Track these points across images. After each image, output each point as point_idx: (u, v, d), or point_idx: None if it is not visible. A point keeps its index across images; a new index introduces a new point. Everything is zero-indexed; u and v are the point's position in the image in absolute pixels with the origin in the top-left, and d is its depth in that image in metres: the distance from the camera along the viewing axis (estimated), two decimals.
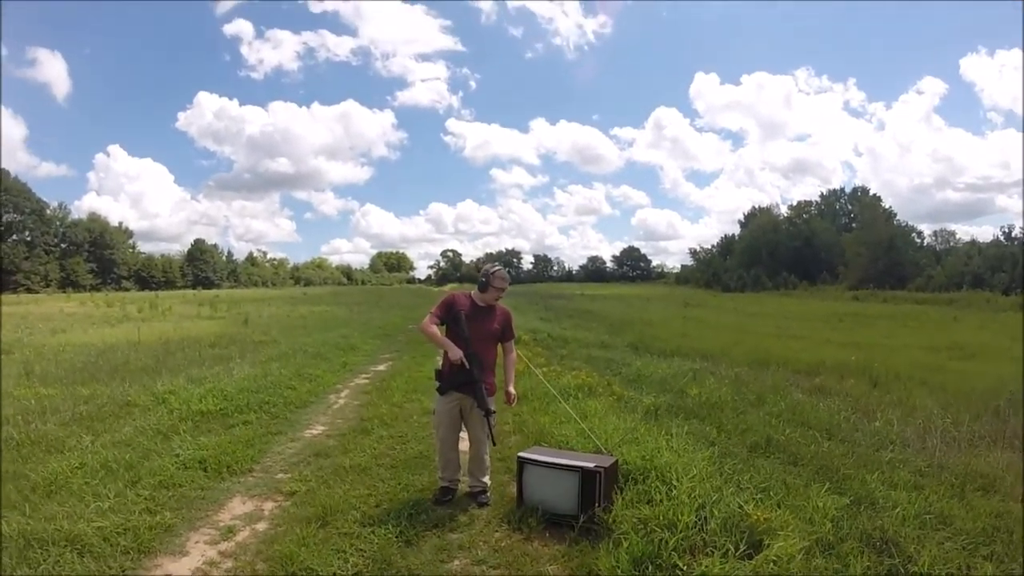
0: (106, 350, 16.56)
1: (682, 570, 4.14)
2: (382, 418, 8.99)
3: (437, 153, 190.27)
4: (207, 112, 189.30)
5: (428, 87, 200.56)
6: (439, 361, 5.88)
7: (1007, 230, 66.23)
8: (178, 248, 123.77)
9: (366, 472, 6.66)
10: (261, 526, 5.31)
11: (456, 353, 5.54)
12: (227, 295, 54.91)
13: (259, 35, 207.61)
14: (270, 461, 7.07)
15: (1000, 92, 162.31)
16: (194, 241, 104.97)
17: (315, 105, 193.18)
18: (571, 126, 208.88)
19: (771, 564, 4.10)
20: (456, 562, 4.75)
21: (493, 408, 5.76)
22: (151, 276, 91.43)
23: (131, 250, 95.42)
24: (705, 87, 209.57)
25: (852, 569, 4.27)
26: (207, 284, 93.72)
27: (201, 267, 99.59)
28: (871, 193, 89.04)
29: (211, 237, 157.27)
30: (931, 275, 64.66)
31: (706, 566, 4.08)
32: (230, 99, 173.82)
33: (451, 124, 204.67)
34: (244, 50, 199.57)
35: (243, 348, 17.37)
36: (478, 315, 5.76)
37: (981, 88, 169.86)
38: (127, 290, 79.19)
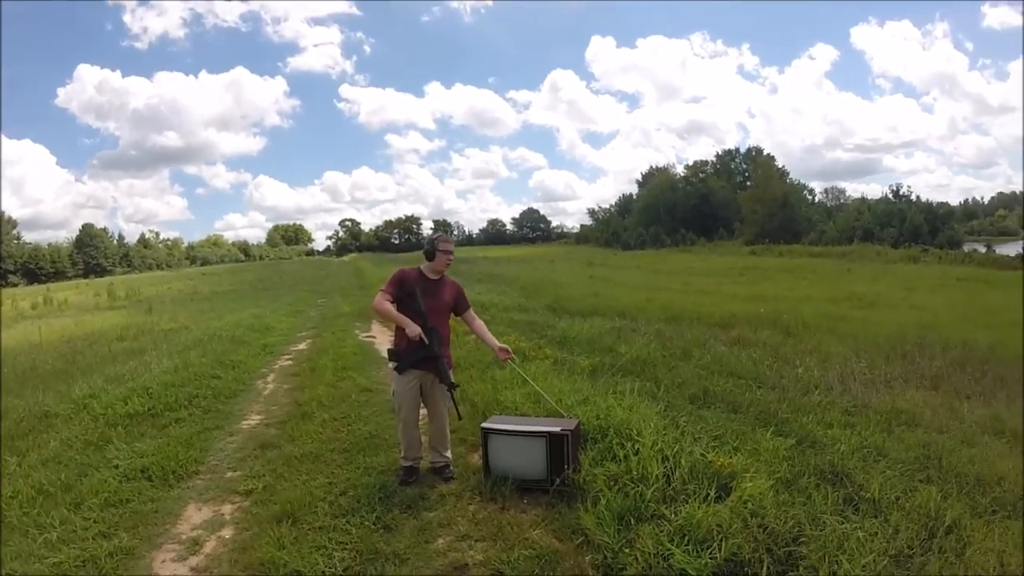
0: (7, 356, 15.35)
1: (668, 518, 4.34)
2: (319, 400, 8.72)
3: (331, 120, 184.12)
4: (88, 86, 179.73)
5: (321, 52, 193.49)
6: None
7: (895, 188, 69.86)
8: (65, 235, 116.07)
9: (320, 460, 6.44)
10: (227, 532, 5.01)
11: (414, 329, 5.44)
12: (122, 281, 51.84)
13: (142, 2, 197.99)
14: (215, 459, 6.70)
15: (889, 60, 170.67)
16: (82, 226, 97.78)
17: (203, 74, 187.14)
18: (467, 89, 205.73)
19: (745, 504, 4.37)
20: (440, 540, 4.71)
21: (455, 382, 5.74)
22: (39, 268, 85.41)
23: (16, 241, 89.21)
24: (601, 50, 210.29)
25: (815, 501, 4.59)
26: (99, 271, 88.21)
27: (92, 253, 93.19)
28: (765, 153, 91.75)
29: (99, 220, 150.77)
30: (823, 230, 67.51)
31: (687, 512, 4.30)
32: (112, 71, 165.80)
33: (345, 90, 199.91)
34: (127, 18, 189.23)
35: (154, 339, 16.49)
36: (430, 289, 5.68)
37: (871, 56, 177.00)
38: (15, 285, 74.19)
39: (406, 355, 5.61)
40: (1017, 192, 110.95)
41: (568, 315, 17.57)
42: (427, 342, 5.49)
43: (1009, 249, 52.12)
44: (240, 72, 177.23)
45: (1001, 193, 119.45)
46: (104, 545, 4.69)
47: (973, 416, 7.77)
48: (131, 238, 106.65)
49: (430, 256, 5.70)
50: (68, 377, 11.26)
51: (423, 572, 4.29)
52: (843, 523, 4.23)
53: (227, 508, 5.49)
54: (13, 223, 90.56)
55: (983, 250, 53.51)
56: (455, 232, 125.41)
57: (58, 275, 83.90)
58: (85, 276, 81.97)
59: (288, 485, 5.78)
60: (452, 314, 5.93)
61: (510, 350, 5.97)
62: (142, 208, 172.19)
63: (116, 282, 48.88)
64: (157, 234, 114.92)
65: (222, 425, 7.93)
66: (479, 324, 5.99)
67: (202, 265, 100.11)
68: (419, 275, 5.72)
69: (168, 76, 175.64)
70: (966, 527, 4.41)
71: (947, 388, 9.43)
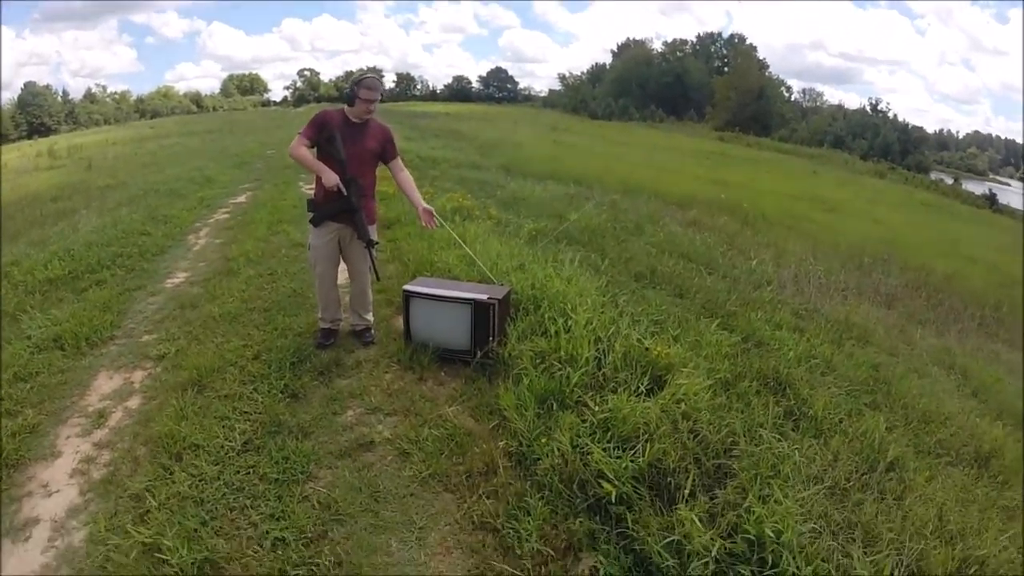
0: None
1: (590, 408, 3.88)
2: (248, 256, 8.11)
3: None
4: None
5: None
6: (305, 188, 5.12)
7: (874, 101, 69.44)
8: (8, 96, 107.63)
9: (237, 320, 5.97)
10: (133, 402, 4.63)
11: (331, 178, 4.78)
12: (66, 140, 48.58)
13: None
14: (132, 323, 6.14)
15: None
16: (24, 85, 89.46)
17: None
18: None
19: (678, 403, 3.89)
20: (349, 413, 4.38)
21: (375, 238, 5.16)
22: None
23: None
24: None
25: (754, 409, 4.16)
26: (44, 132, 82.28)
27: (35, 113, 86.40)
28: (747, 42, 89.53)
29: (43, 77, 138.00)
30: (795, 129, 67.57)
31: (613, 404, 3.81)
32: None
33: None
34: None
35: (88, 197, 15.36)
36: (353, 134, 4.93)
37: None
38: None
39: (322, 206, 4.98)
40: (993, 135, 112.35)
41: (522, 177, 16.87)
42: (345, 193, 4.84)
43: (975, 187, 52.56)
44: None
45: (977, 132, 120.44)
46: (8, 424, 4.30)
47: (924, 343, 7.52)
48: (77, 94, 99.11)
49: (350, 101, 4.90)
50: None
51: (326, 447, 3.98)
52: (780, 440, 3.78)
53: (138, 375, 5.07)
54: None
55: (950, 182, 54.10)
56: (418, 86, 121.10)
57: (1, 138, 78.86)
58: (29, 137, 76.78)
59: (201, 349, 5.33)
60: (380, 163, 5.20)
61: (435, 213, 5.27)
62: (88, 62, 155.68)
63: (60, 141, 45.73)
64: (104, 88, 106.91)
65: (144, 285, 7.29)
66: (405, 176, 5.27)
67: (152, 118, 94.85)
68: (342, 118, 4.93)
69: None
70: (908, 467, 4.07)
71: (902, 309, 9.19)
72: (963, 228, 23.09)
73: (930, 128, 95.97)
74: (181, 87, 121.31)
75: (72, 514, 3.46)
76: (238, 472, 3.69)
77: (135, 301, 6.74)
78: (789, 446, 3.74)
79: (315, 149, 4.93)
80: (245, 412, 4.33)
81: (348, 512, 3.37)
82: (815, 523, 3.09)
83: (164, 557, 3.05)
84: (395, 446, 3.95)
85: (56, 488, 3.68)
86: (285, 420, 4.21)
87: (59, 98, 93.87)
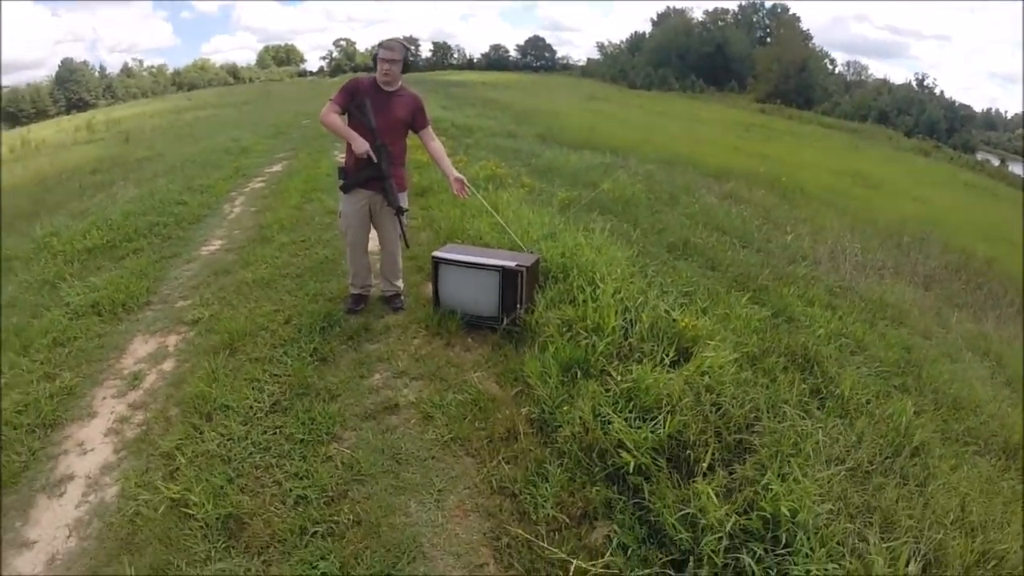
0: None
1: (613, 377, 3.87)
2: (282, 223, 8.18)
3: None
4: None
5: None
6: (340, 157, 5.12)
7: (920, 77, 68.00)
8: (45, 73, 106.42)
9: (270, 286, 6.06)
10: (167, 365, 4.75)
11: (362, 145, 4.80)
12: (105, 114, 48.52)
13: None
14: (167, 289, 6.27)
15: None
16: (61, 62, 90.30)
17: None
18: None
19: (703, 375, 3.87)
20: (376, 376, 4.43)
21: (405, 205, 5.17)
22: (20, 111, 78.95)
23: None
24: None
25: (780, 385, 4.11)
26: (82, 107, 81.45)
27: (73, 89, 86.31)
28: (791, 12, 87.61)
29: (80, 54, 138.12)
30: (838, 103, 66.29)
31: (637, 374, 3.81)
32: None
33: None
34: None
35: (126, 169, 15.43)
36: (384, 102, 4.91)
37: None
38: None
39: (353, 174, 4.99)
40: None
41: (558, 146, 16.72)
42: (376, 160, 4.84)
43: (1021, 170, 51.20)
44: None
45: None
46: (47, 387, 4.42)
47: (960, 327, 7.38)
48: (114, 69, 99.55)
49: (374, 65, 4.90)
50: (33, 217, 10.29)
51: (351, 409, 4.04)
52: (804, 418, 3.74)
53: (172, 339, 5.20)
54: None
55: (996, 163, 52.78)
56: (455, 55, 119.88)
57: (40, 115, 78.21)
58: (68, 113, 76.97)
59: (234, 314, 5.45)
60: (410, 131, 5.18)
61: (465, 182, 5.22)
62: (125, 38, 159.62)
63: (97, 115, 45.66)
64: (141, 62, 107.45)
65: (180, 253, 7.40)
66: (436, 146, 5.22)
67: (189, 91, 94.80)
68: (373, 85, 4.91)
69: None
70: (934, 453, 4.00)
71: (939, 291, 9.02)
72: (1007, 211, 22.51)
73: (978, 107, 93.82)
74: (217, 59, 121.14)
75: (105, 471, 3.58)
76: (265, 432, 3.78)
77: (171, 268, 6.87)
78: (812, 425, 3.68)
79: (346, 116, 4.93)
80: (275, 375, 4.42)
81: (369, 473, 3.42)
82: (833, 504, 3.04)
83: (190, 512, 3.15)
84: (419, 410, 3.99)
85: (91, 447, 3.80)
86: (313, 383, 4.28)
87: (96, 74, 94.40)
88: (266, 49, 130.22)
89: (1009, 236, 15.97)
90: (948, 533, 3.14)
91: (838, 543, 2.84)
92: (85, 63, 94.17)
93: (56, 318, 5.51)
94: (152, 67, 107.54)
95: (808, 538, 2.81)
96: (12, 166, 21.84)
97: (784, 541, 2.81)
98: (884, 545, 2.91)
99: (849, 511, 3.11)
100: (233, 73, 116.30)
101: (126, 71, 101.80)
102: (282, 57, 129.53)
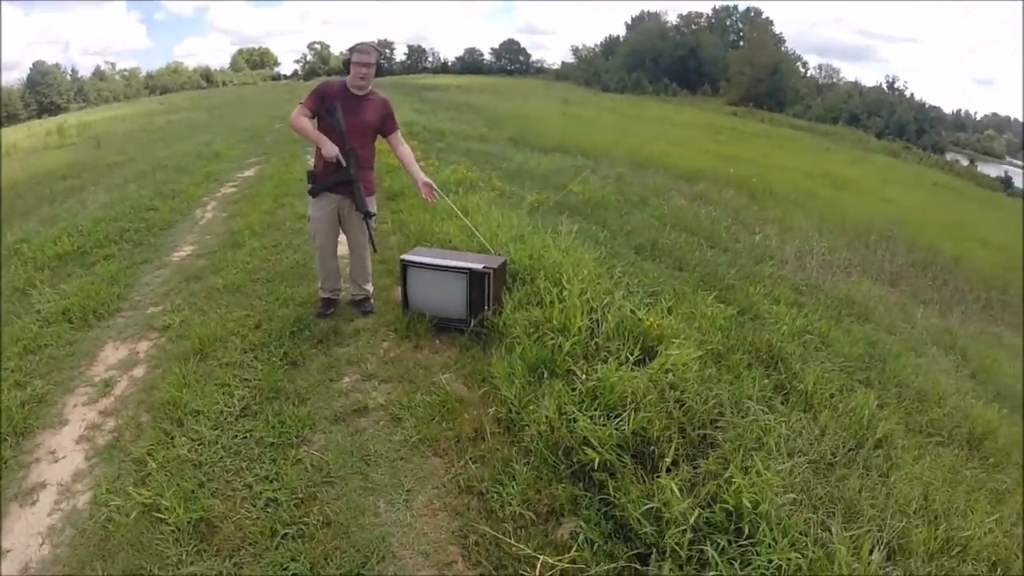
0: None
1: (578, 376, 3.94)
2: (253, 228, 8.22)
3: None
4: None
5: None
6: (310, 161, 5.15)
7: (891, 79, 68.98)
8: (17, 76, 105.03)
9: (241, 291, 6.11)
10: (138, 372, 4.78)
11: (331, 149, 4.84)
12: (76, 118, 48.02)
13: None
14: (138, 295, 6.31)
15: None
16: (33, 64, 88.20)
17: None
18: None
19: (667, 373, 3.93)
20: (346, 380, 4.50)
21: (373, 210, 5.20)
22: None
23: None
24: None
25: (743, 381, 4.18)
26: (53, 110, 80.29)
27: (44, 92, 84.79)
28: (763, 16, 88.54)
29: (53, 56, 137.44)
30: (810, 105, 67.15)
31: (602, 372, 3.87)
32: None
33: None
34: None
35: (97, 174, 15.53)
36: (354, 105, 4.96)
37: None
38: None
39: (322, 177, 5.04)
40: (1011, 117, 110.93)
41: (530, 149, 16.84)
42: (345, 164, 4.89)
43: (991, 170, 52.02)
44: None
45: (995, 114, 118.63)
46: (17, 395, 4.45)
47: (925, 323, 7.54)
48: (87, 72, 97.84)
49: (346, 68, 4.97)
50: (5, 224, 10.33)
51: (321, 412, 4.09)
52: (768, 413, 3.81)
53: (143, 345, 5.23)
54: None
55: (965, 163, 53.65)
56: (430, 59, 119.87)
57: (11, 119, 76.72)
58: (39, 116, 75.84)
59: (204, 319, 5.49)
60: (379, 135, 5.22)
61: (434, 186, 5.32)
62: (98, 39, 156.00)
63: (69, 120, 45.34)
64: (113, 65, 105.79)
65: (151, 259, 7.43)
66: (405, 150, 5.29)
67: (161, 94, 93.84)
68: (343, 89, 4.97)
69: None
70: (897, 444, 4.10)
71: (905, 288, 9.20)
72: (974, 210, 23.05)
73: (947, 108, 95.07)
74: (191, 62, 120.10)
75: (77, 478, 3.59)
76: (235, 436, 3.81)
77: (142, 274, 6.88)
78: (776, 419, 3.75)
79: (316, 120, 4.96)
80: (245, 379, 4.45)
81: (339, 475, 3.46)
82: (796, 495, 3.11)
83: (162, 517, 3.17)
84: (388, 412, 4.04)
85: (63, 454, 3.82)
86: (283, 387, 4.33)
87: (68, 76, 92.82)
88: (240, 52, 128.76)
89: (975, 234, 16.30)
90: (911, 521, 3.21)
91: (801, 533, 2.90)
92: (57, 66, 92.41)
93: (26, 325, 5.51)
94: (125, 70, 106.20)
95: (771, 528, 2.86)
96: None
97: (747, 532, 2.86)
98: (847, 534, 2.97)
99: (812, 502, 3.17)
100: (206, 76, 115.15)
101: (98, 74, 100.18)
102: (256, 60, 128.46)
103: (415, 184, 5.32)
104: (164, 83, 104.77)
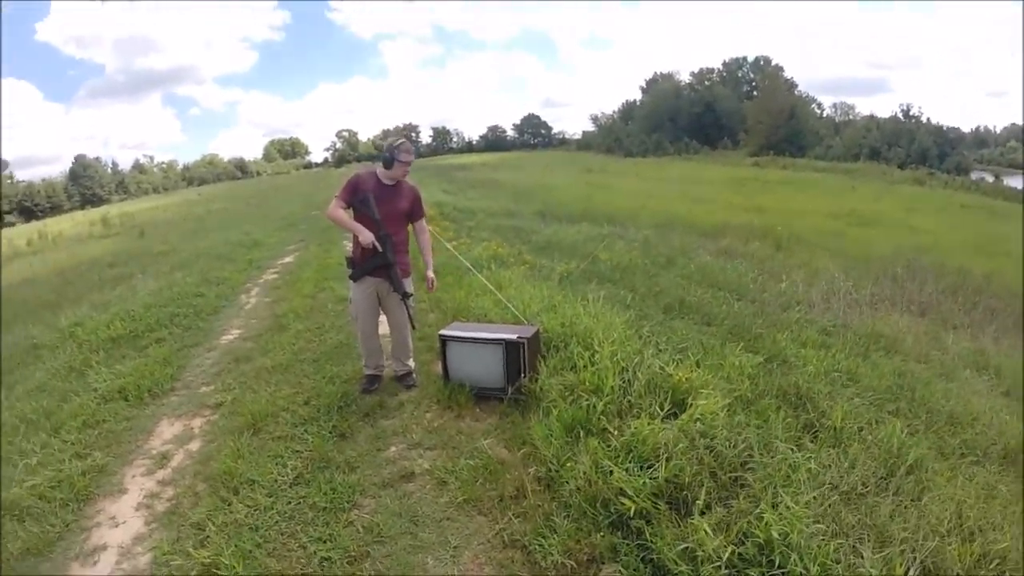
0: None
1: (612, 433, 4.12)
2: (296, 312, 8.58)
3: (323, 31, 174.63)
4: (67, 16, 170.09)
5: None
6: (348, 247, 5.52)
7: (906, 108, 68.69)
8: (60, 169, 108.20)
9: (289, 370, 6.40)
10: (194, 446, 5.07)
11: (367, 236, 5.18)
12: (118, 209, 50.23)
13: None
14: (190, 376, 6.66)
15: None
16: (75, 158, 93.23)
17: None
18: None
19: (696, 422, 4.11)
20: (392, 449, 4.72)
21: (410, 290, 5.52)
22: (35, 205, 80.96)
23: (9, 181, 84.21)
24: None
25: (772, 424, 4.33)
26: (96, 201, 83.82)
27: (87, 184, 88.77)
28: (773, 63, 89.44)
29: (93, 150, 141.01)
30: (830, 145, 67.03)
31: (635, 427, 4.05)
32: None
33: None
34: None
35: (143, 263, 16.19)
36: (386, 194, 5.35)
37: None
38: (12, 224, 71.19)
39: (360, 263, 5.37)
40: None
41: (557, 221, 17.20)
42: (381, 249, 5.23)
43: (1017, 182, 51.43)
44: None
45: (1015, 124, 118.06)
46: (79, 465, 4.75)
47: (957, 347, 7.58)
48: (126, 165, 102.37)
49: (388, 164, 5.31)
50: (56, 307, 11.00)
51: (370, 479, 4.31)
52: (797, 451, 3.96)
53: (197, 422, 5.51)
54: (4, 164, 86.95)
55: (991, 179, 53.04)
56: (454, 139, 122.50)
57: (55, 210, 79.92)
58: (82, 208, 78.74)
59: (255, 397, 5.76)
60: (409, 221, 5.59)
61: (434, 281, 5.70)
62: (135, 134, 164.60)
63: (112, 210, 47.12)
64: (151, 158, 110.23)
65: (201, 342, 7.80)
66: (426, 238, 5.69)
67: (199, 186, 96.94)
68: (375, 180, 5.36)
69: None
70: (928, 469, 4.18)
71: (935, 315, 9.25)
72: (1002, 225, 22.72)
73: (966, 127, 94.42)
74: (225, 154, 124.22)
75: (137, 541, 3.85)
76: (290, 503, 4.04)
77: (193, 356, 7.22)
78: (804, 456, 3.89)
79: (350, 210, 5.32)
80: (297, 451, 4.71)
81: (389, 535, 3.67)
82: (826, 525, 3.24)
83: (221, 574, 3.40)
84: (434, 476, 4.25)
85: (123, 520, 4.08)
86: (333, 457, 4.56)
87: (109, 170, 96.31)
88: (272, 143, 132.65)
89: (1006, 249, 16.17)
90: (945, 540, 3.30)
91: (832, 560, 3.03)
92: (98, 159, 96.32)
93: (85, 402, 5.89)
94: (163, 163, 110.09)
95: (801, 558, 3.00)
96: (31, 259, 22.97)
97: (778, 563, 3.01)
98: (878, 555, 3.10)
99: (843, 530, 3.29)
100: (241, 167, 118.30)
101: (138, 167, 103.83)
102: (287, 150, 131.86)
103: (425, 271, 5.66)
104: (201, 174, 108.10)
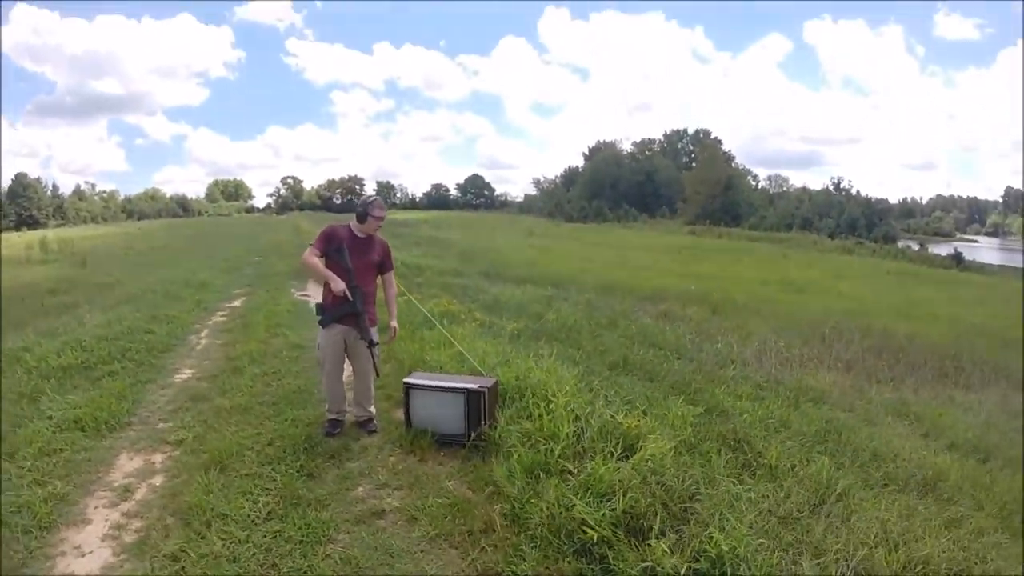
0: None
1: (572, 472, 4.47)
2: (251, 355, 8.63)
3: (277, 74, 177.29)
4: (23, 27, 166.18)
5: (270, 4, 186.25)
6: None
7: (836, 181, 72.40)
8: None
9: (249, 412, 6.46)
10: (158, 480, 5.07)
11: (339, 285, 5.50)
12: (55, 235, 49.28)
13: None
14: (147, 411, 6.63)
15: (840, 57, 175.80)
16: (15, 175, 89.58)
17: (146, 19, 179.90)
18: (416, 50, 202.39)
19: (647, 462, 4.51)
20: (360, 488, 4.89)
21: (376, 339, 5.82)
22: None
23: None
24: (554, 21, 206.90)
25: (714, 463, 4.77)
26: (32, 223, 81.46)
27: (24, 204, 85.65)
28: (712, 136, 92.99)
29: (33, 169, 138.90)
30: (764, 216, 69.65)
31: (592, 467, 4.41)
32: (51, 11, 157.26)
33: (292, 44, 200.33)
34: None
35: (88, 293, 16.15)
36: (358, 246, 5.71)
37: (822, 51, 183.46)
38: None
39: (330, 310, 5.67)
40: (955, 196, 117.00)
41: (502, 281, 17.69)
42: (351, 298, 5.55)
43: (943, 250, 54.12)
44: (185, 19, 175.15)
45: (939, 195, 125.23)
46: (39, 492, 4.72)
47: (880, 398, 8.15)
48: (66, 189, 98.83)
49: (361, 219, 5.71)
50: None
51: (342, 516, 4.46)
52: (737, 485, 4.41)
53: (158, 457, 5.53)
54: None
55: (917, 248, 55.61)
56: (398, 195, 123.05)
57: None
58: (17, 228, 76.42)
59: (217, 436, 5.82)
60: (379, 273, 5.96)
61: (396, 331, 6.06)
62: (78, 158, 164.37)
63: (49, 235, 46.43)
64: (93, 186, 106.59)
65: (155, 379, 7.80)
66: (392, 292, 6.05)
67: (139, 219, 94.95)
68: (349, 232, 5.74)
69: (109, 20, 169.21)
70: (855, 496, 4.66)
71: (860, 371, 9.87)
72: (926, 290, 24.16)
73: (894, 198, 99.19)
74: (167, 189, 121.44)
75: (107, 571, 3.87)
76: (265, 536, 4.16)
77: (147, 392, 7.22)
78: (744, 488, 4.37)
79: (323, 259, 5.65)
80: (266, 488, 4.80)
81: (367, 565, 3.87)
82: (768, 542, 3.68)
83: None
84: (404, 513, 4.47)
85: (89, 550, 4.08)
86: (303, 494, 4.69)
87: (48, 192, 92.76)
88: (215, 183, 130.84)
89: (927, 312, 17.20)
90: (873, 550, 3.79)
91: (776, 571, 3.48)
92: (38, 179, 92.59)
93: (39, 429, 5.81)
94: (104, 192, 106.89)
95: (749, 568, 3.43)
96: None
97: (729, 574, 3.42)
98: (815, 561, 3.58)
99: (783, 547, 3.73)
100: (183, 205, 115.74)
101: (78, 193, 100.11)
102: (231, 192, 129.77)
103: (388, 319, 5.98)
104: (141, 208, 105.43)
